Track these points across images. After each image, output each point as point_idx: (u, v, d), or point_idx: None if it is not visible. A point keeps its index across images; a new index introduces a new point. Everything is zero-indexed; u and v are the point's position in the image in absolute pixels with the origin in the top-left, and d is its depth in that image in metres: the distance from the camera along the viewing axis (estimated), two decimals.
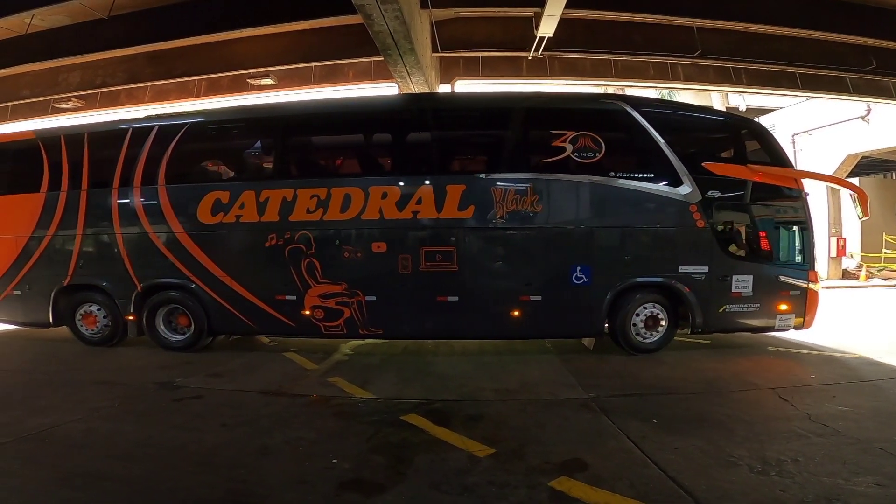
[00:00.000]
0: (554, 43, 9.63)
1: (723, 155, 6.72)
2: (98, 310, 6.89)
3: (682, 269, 6.18)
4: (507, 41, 10.27)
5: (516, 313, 6.16)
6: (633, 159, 6.40)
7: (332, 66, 11.59)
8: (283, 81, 12.05)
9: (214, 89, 12.83)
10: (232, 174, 6.97)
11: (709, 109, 8.53)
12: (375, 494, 2.90)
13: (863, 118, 17.24)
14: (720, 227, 6.26)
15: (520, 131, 6.49)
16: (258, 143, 7.12)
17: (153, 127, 6.83)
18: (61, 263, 6.81)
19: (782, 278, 6.30)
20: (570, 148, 6.10)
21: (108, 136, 7.11)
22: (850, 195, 7.16)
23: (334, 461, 3.33)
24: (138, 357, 6.38)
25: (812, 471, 3.10)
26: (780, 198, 6.47)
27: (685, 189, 6.10)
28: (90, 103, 13.52)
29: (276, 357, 6.33)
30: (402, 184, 6.21)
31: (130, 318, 6.70)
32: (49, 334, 7.38)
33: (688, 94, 21.41)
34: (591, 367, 5.79)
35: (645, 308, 6.30)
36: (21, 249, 6.92)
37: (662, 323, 6.34)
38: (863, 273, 16.49)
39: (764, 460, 3.27)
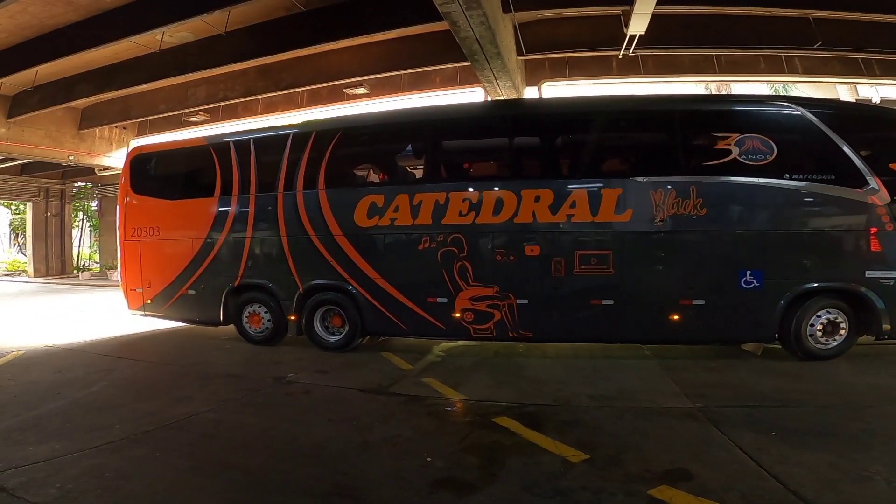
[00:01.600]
0: (646, 40, 9.14)
1: None
2: (264, 311, 7.29)
3: (868, 273, 5.76)
4: (595, 40, 9.93)
5: (677, 317, 5.98)
6: (811, 162, 6.03)
7: (419, 73, 11.97)
8: (375, 90, 12.70)
9: (315, 100, 13.87)
10: (386, 178, 7.38)
11: (889, 109, 7.74)
12: (467, 494, 2.95)
13: None
14: None
15: (681, 134, 6.38)
16: (409, 147, 7.47)
17: (311, 133, 7.19)
18: (232, 265, 7.32)
19: None
20: (736, 150, 5.88)
21: (272, 142, 7.53)
22: None
23: (429, 459, 3.44)
24: (256, 353, 6.98)
25: None
26: None
27: (874, 191, 5.67)
28: (214, 116, 15.11)
29: (375, 357, 6.63)
30: (555, 187, 6.22)
31: (292, 318, 7.10)
32: (185, 330, 8.32)
33: (808, 87, 19.18)
34: (697, 376, 5.39)
35: (823, 314, 5.87)
36: (197, 251, 7.47)
37: (843, 329, 5.88)
38: None
39: None
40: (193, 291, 7.57)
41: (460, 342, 7.14)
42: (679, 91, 14.65)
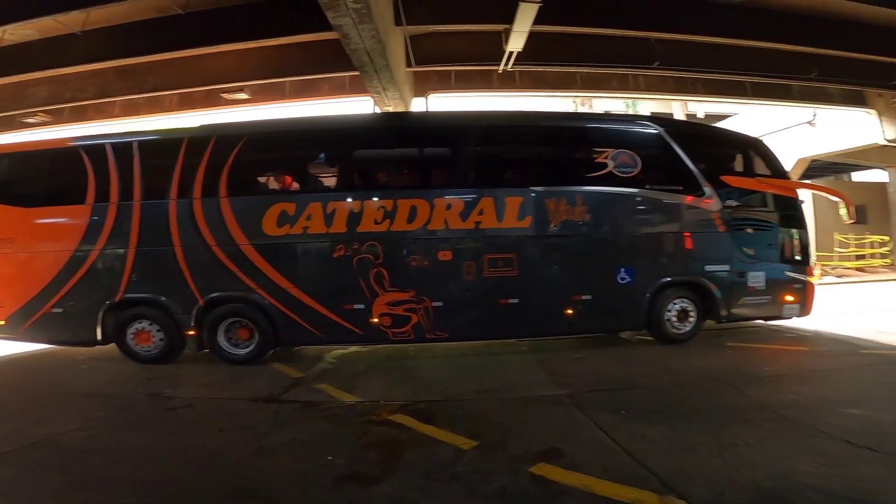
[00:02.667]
0: (524, 56, 10.12)
1: (736, 169, 7.55)
2: (156, 328, 6.68)
3: (707, 268, 7.04)
4: (480, 55, 10.72)
5: (570, 311, 6.71)
6: (665, 174, 7.20)
7: (307, 80, 11.80)
8: (257, 96, 12.24)
9: (188, 104, 12.90)
10: (296, 186, 7.11)
11: (723, 129, 9.49)
12: (371, 485, 3.15)
13: (809, 123, 18.36)
14: (736, 231, 7.12)
15: (570, 148, 7.32)
16: (322, 156, 7.32)
17: (211, 137, 6.81)
18: (112, 279, 6.60)
19: (788, 273, 7.34)
20: (611, 164, 6.85)
21: (161, 146, 7.04)
22: (837, 200, 8.13)
23: (329, 458, 3.56)
24: (123, 371, 6.42)
25: (762, 453, 3.42)
26: (782, 205, 7.49)
27: (709, 198, 7.02)
28: (58, 118, 13.41)
29: (263, 368, 6.46)
30: (464, 196, 6.68)
31: (192, 333, 6.60)
32: (32, 354, 7.34)
33: (651, 104, 22.40)
34: (565, 366, 6.14)
35: (677, 303, 7.06)
36: (63, 265, 6.61)
37: (692, 316, 7.09)
38: (817, 271, 17.46)
39: (721, 445, 3.58)
40: (60, 310, 6.62)
41: (352, 348, 7.28)
42: (548, 104, 16.35)
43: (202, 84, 11.35)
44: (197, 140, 6.86)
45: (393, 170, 7.56)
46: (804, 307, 7.41)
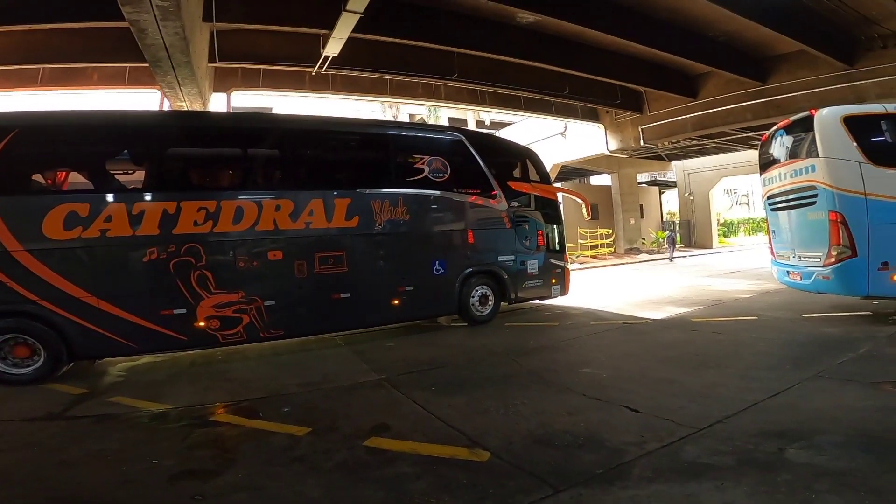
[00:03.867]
0: (339, 61, 10.43)
1: (517, 175, 9.14)
2: None
3: (499, 258, 8.54)
4: (292, 55, 10.62)
5: (396, 301, 7.44)
6: (467, 178, 8.31)
7: (70, 68, 9.99)
8: None
9: None
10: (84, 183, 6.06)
11: (509, 141, 11.27)
12: (212, 478, 3.18)
13: (562, 134, 22.94)
14: (518, 227, 8.70)
15: (393, 153, 7.99)
16: (126, 152, 6.38)
17: None
18: None
19: (551, 260, 9.19)
20: (427, 169, 7.74)
21: None
22: (580, 202, 10.69)
23: (154, 462, 3.42)
24: None
25: (533, 408, 4.39)
26: (548, 206, 9.34)
27: (499, 200, 8.45)
28: None
29: (27, 389, 5.42)
30: (295, 198, 6.82)
31: None
32: None
33: (451, 112, 24.96)
34: (379, 355, 6.70)
35: (479, 290, 8.32)
36: None
37: (490, 300, 8.46)
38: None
39: (505, 405, 4.49)
40: None
41: (145, 359, 6.61)
42: (361, 107, 17.03)
43: None
44: None
45: (213, 170, 7.24)
46: (563, 288, 9.47)
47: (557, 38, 12.45)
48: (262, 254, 6.65)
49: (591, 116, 19.90)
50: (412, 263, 7.77)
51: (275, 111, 14.48)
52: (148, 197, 6.16)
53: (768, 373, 5.05)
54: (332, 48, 9.53)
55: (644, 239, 26.94)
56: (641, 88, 16.65)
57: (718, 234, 29.96)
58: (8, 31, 8.69)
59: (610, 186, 27.29)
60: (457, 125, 23.82)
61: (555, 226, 9.48)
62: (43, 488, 2.98)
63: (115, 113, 7.13)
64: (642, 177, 30.44)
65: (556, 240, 9.51)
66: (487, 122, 27.16)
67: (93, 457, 3.50)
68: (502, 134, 22.71)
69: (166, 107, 10.23)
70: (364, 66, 11.74)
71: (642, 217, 28.30)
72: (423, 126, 10.97)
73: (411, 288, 7.64)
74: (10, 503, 2.78)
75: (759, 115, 14.83)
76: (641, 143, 19.11)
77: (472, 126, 25.46)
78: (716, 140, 19.86)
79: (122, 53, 8.61)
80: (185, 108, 10.03)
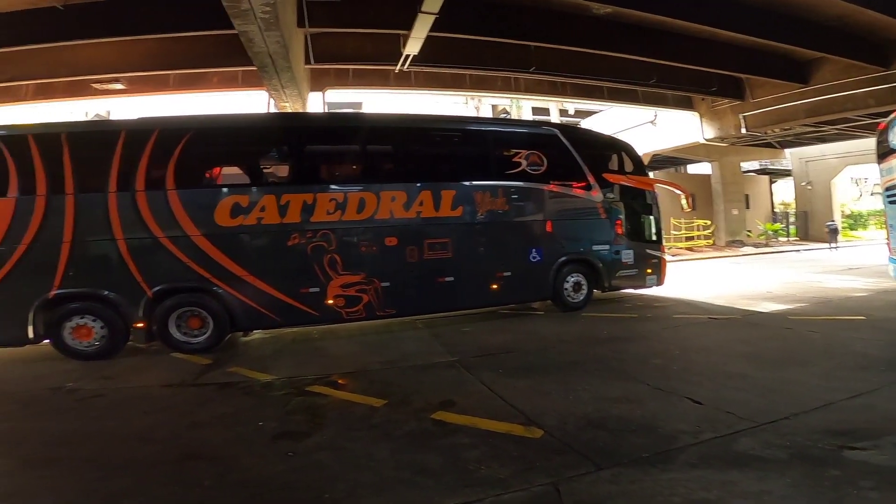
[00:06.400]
0: (419, 58, 10.92)
1: (612, 167, 9.34)
2: (100, 325, 6.50)
3: (594, 247, 8.87)
4: (376, 55, 11.28)
5: (495, 286, 8.01)
6: (562, 170, 8.67)
7: (194, 73, 11.40)
8: (136, 86, 11.55)
9: (46, 93, 11.68)
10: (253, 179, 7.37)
11: (603, 134, 11.42)
12: (304, 439, 3.83)
13: (651, 122, 21.77)
14: (612, 217, 8.97)
15: (492, 149, 8.52)
16: (275, 151, 7.64)
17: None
18: (42, 273, 6.30)
19: (647, 251, 9.38)
20: (524, 162, 8.25)
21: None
22: (679, 193, 10.51)
23: (261, 424, 4.14)
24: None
25: (592, 394, 4.58)
26: (644, 196, 9.48)
27: (594, 191, 8.79)
28: None
29: (163, 358, 6.59)
30: (408, 190, 7.59)
31: (140, 325, 6.59)
32: None
33: (532, 102, 24.61)
34: (455, 339, 7.18)
35: (573, 277, 8.72)
36: None
37: (584, 287, 8.80)
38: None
39: (566, 389, 4.73)
40: None
41: (256, 334, 7.63)
42: (443, 101, 17.54)
43: (70, 74, 10.45)
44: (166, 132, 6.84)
45: (341, 165, 8.32)
46: (659, 278, 9.51)
47: (639, 28, 12.03)
48: (380, 240, 7.44)
49: (684, 104, 18.85)
50: (510, 251, 8.26)
51: (364, 107, 15.44)
52: (293, 190, 7.15)
53: (855, 373, 4.78)
54: (412, 47, 10.02)
55: (749, 231, 24.78)
56: (742, 75, 15.50)
57: (843, 227, 26.76)
58: (143, 40, 10.08)
59: (709, 175, 25.44)
60: (539, 116, 23.51)
61: (651, 216, 9.56)
62: (178, 446, 3.76)
63: (264, 116, 8.44)
64: (749, 165, 28.01)
65: (653, 230, 9.58)
66: (571, 112, 26.29)
67: (216, 419, 4.31)
68: (587, 123, 22.03)
69: (272, 107, 11.42)
70: (442, 62, 12.13)
71: (748, 207, 26.06)
72: (519, 122, 11.38)
73: (509, 274, 8.14)
74: (153, 458, 3.56)
75: (883, 101, 13.29)
76: (743, 130, 17.89)
77: (554, 116, 24.95)
78: (837, 126, 18.07)
79: (234, 58, 9.66)
80: (288, 108, 11.12)
